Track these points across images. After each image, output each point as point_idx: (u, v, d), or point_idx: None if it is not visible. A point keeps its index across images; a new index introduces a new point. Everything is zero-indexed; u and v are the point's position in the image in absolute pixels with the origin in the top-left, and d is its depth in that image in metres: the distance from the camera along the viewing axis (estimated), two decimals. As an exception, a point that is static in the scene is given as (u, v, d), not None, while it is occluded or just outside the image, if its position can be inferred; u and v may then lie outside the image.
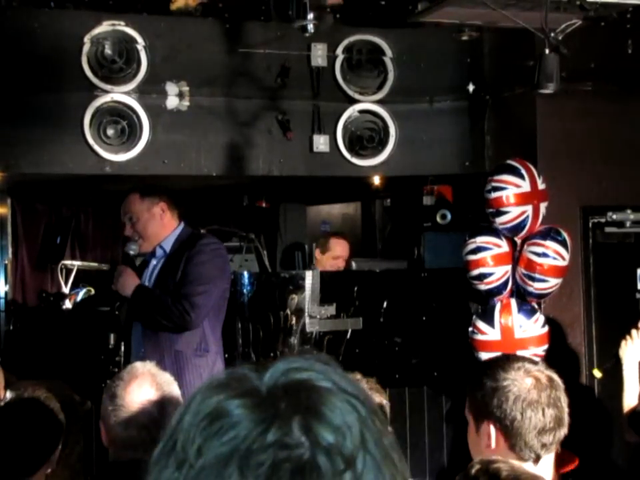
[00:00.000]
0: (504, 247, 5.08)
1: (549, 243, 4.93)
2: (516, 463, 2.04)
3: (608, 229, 5.49)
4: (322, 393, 0.82)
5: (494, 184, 5.00)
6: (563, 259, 4.95)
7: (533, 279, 4.94)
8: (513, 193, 4.97)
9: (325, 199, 8.52)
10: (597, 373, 4.51)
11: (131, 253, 4.40)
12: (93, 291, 7.59)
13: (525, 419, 2.23)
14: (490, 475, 1.87)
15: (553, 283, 4.97)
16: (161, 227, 4.41)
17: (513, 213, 4.97)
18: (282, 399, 0.81)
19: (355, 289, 5.68)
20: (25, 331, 6.63)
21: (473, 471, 1.90)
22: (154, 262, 4.46)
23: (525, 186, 4.99)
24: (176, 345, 4.29)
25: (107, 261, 8.67)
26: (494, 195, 4.99)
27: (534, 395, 2.24)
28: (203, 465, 0.78)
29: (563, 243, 4.96)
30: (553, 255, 4.92)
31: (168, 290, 4.30)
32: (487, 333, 5.06)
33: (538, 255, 4.92)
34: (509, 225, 5.01)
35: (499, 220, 5.00)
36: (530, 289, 4.99)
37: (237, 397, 0.82)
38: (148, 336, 4.34)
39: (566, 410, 2.29)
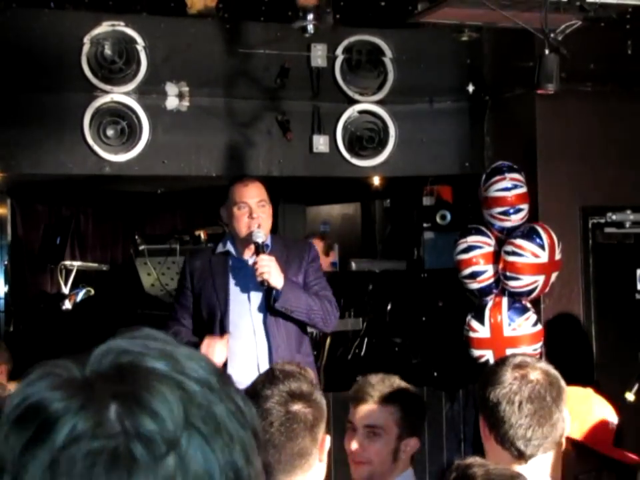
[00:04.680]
0: (493, 245, 5.14)
1: (519, 241, 4.99)
2: (492, 464, 2.04)
3: (608, 230, 5.48)
4: (146, 375, 0.77)
5: (512, 182, 5.06)
6: (536, 256, 4.98)
7: (507, 277, 5.01)
8: (524, 191, 5.14)
9: (324, 199, 8.52)
10: (630, 396, 4.05)
11: (259, 240, 4.05)
12: (92, 292, 7.60)
13: (500, 411, 2.25)
14: None
15: (528, 280, 5.01)
16: (270, 225, 4.22)
17: (525, 211, 5.11)
18: (101, 384, 0.76)
19: (355, 289, 5.69)
20: (25, 331, 6.64)
21: (451, 477, 1.93)
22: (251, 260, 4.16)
23: (525, 185, 5.14)
24: (302, 347, 4.19)
25: (106, 261, 8.69)
26: (513, 192, 5.07)
27: (514, 386, 2.25)
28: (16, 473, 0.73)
29: (536, 241, 4.99)
30: (523, 253, 4.97)
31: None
32: (478, 330, 5.10)
33: (509, 253, 5.01)
34: (519, 223, 5.09)
35: (515, 217, 5.07)
36: (507, 287, 5.06)
37: (51, 389, 0.76)
38: (277, 335, 4.10)
39: (554, 411, 2.27)
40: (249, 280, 4.09)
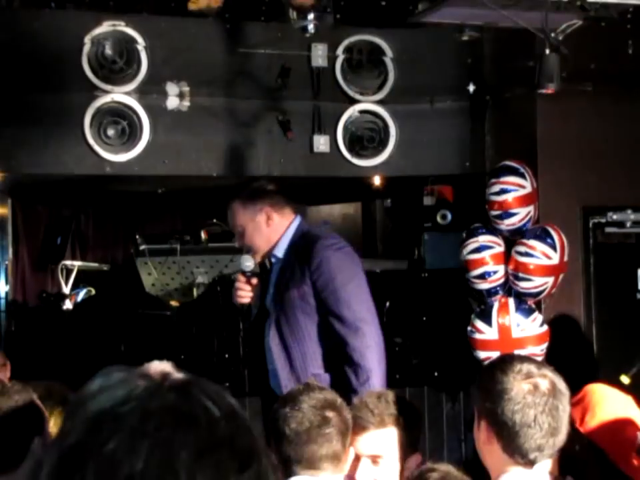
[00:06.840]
0: (502, 246, 5.14)
1: (532, 242, 4.98)
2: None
3: (608, 229, 5.49)
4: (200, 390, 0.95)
5: (502, 186, 5.05)
6: (549, 257, 4.97)
7: (518, 278, 4.99)
8: (520, 194, 5.05)
9: (325, 199, 8.52)
10: (625, 379, 4.17)
11: (246, 270, 3.86)
12: (93, 291, 7.60)
13: (515, 424, 2.21)
14: None
15: (539, 282, 5.00)
16: (269, 233, 3.84)
17: (520, 215, 5.04)
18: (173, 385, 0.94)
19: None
20: (26, 331, 6.64)
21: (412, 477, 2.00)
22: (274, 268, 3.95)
23: (528, 187, 5.10)
24: (309, 365, 3.75)
25: (107, 261, 8.68)
26: (502, 197, 5.04)
27: (528, 400, 2.21)
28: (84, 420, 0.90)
29: (549, 242, 4.99)
30: (536, 254, 4.96)
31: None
32: (485, 332, 5.09)
33: (521, 254, 4.99)
34: (516, 226, 5.06)
35: (508, 221, 5.05)
36: (517, 288, 5.04)
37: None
38: (278, 354, 3.78)
39: (564, 419, 2.26)
40: (266, 291, 3.91)
